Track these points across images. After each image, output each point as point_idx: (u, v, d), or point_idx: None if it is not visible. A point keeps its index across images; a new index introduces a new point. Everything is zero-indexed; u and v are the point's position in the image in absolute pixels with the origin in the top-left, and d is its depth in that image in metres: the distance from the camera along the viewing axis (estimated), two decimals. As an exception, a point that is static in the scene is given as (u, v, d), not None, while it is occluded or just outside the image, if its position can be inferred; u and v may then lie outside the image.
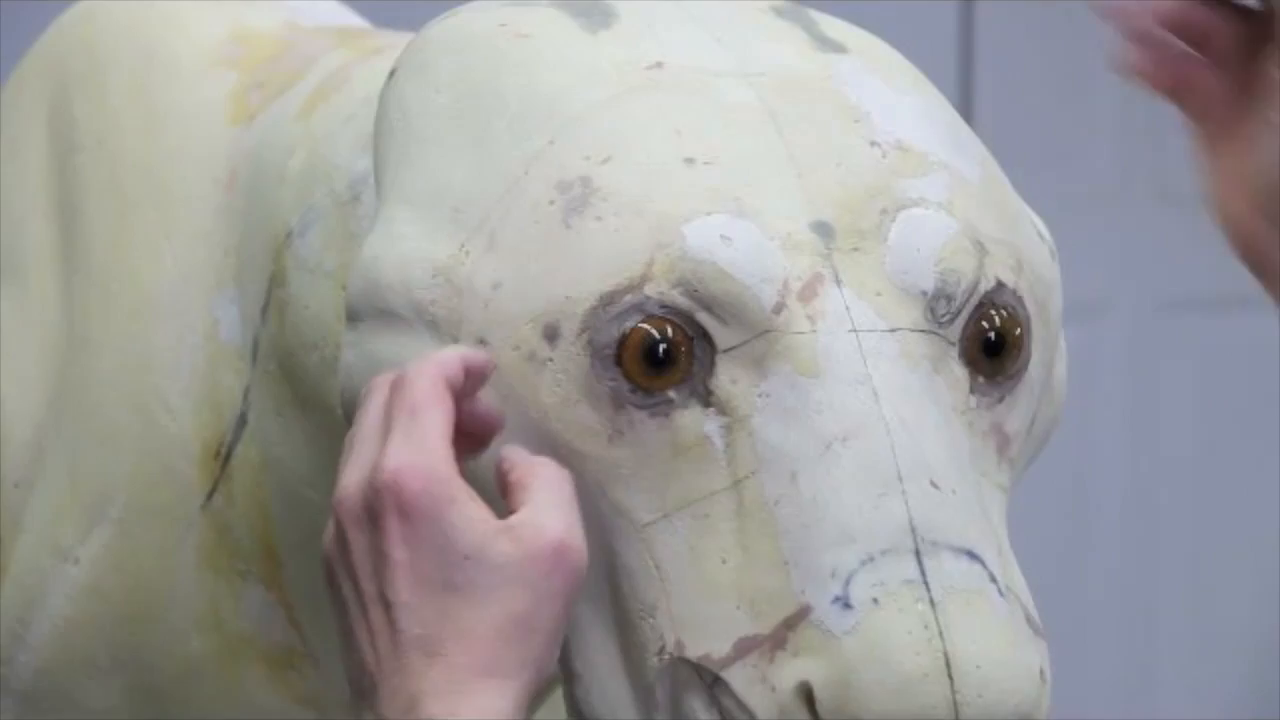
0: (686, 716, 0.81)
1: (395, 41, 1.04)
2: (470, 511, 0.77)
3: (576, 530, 0.78)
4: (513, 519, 0.78)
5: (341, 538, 0.79)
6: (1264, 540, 2.78)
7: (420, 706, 0.76)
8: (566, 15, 0.92)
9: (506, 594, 0.76)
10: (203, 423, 1.06)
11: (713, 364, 0.83)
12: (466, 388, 0.81)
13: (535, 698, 0.78)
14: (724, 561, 0.82)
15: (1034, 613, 0.84)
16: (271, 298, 1.02)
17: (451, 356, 0.81)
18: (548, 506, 0.78)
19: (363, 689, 0.78)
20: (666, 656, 0.82)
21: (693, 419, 0.83)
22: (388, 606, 0.77)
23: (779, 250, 0.84)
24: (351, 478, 0.79)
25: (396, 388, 0.80)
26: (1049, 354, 0.92)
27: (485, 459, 0.82)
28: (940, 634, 0.79)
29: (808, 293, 0.83)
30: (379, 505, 0.77)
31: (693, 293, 0.83)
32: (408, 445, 0.78)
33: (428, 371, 0.80)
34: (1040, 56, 2.77)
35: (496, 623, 0.76)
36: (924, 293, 0.85)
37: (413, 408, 0.79)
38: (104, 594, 1.08)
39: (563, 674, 0.88)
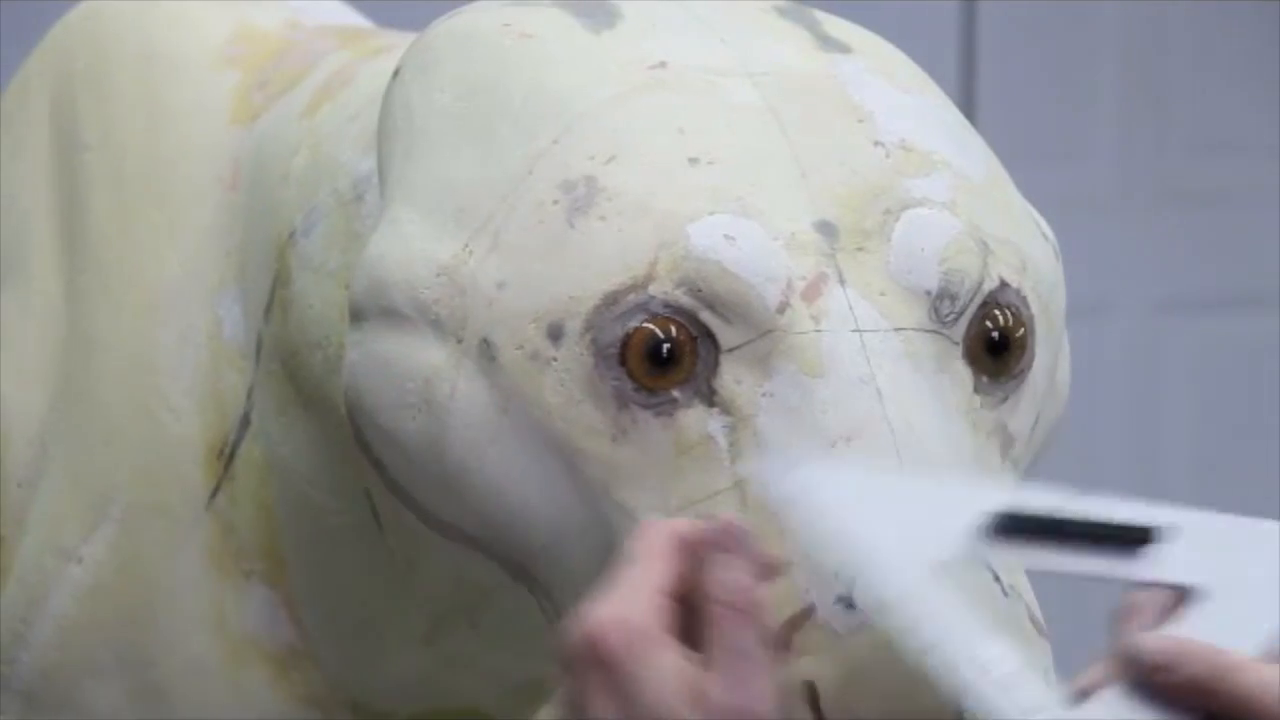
0: (691, 716, 0.81)
1: (399, 41, 1.04)
2: (665, 668, 0.72)
3: (762, 698, 0.72)
4: (705, 682, 0.72)
5: (566, 693, 0.75)
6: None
7: None
8: (570, 15, 0.92)
9: None
10: (206, 422, 1.06)
11: (716, 363, 0.83)
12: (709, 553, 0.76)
13: None
14: (728, 561, 0.81)
15: (1037, 612, 0.84)
16: (275, 297, 1.02)
17: (689, 524, 0.78)
18: (732, 674, 0.73)
19: None
20: (671, 656, 0.82)
21: (696, 418, 0.83)
22: None
23: (783, 250, 0.84)
24: (577, 629, 0.75)
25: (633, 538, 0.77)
26: (1052, 354, 0.92)
27: None
28: (945, 633, 0.79)
29: (811, 292, 0.83)
30: (582, 658, 0.73)
31: (696, 292, 0.83)
32: (616, 596, 0.74)
33: (661, 530, 0.77)
34: (1042, 56, 2.77)
35: None
36: (928, 292, 0.85)
37: (633, 559, 0.76)
38: (107, 594, 1.08)
39: (567, 673, 0.88)
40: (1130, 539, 0.77)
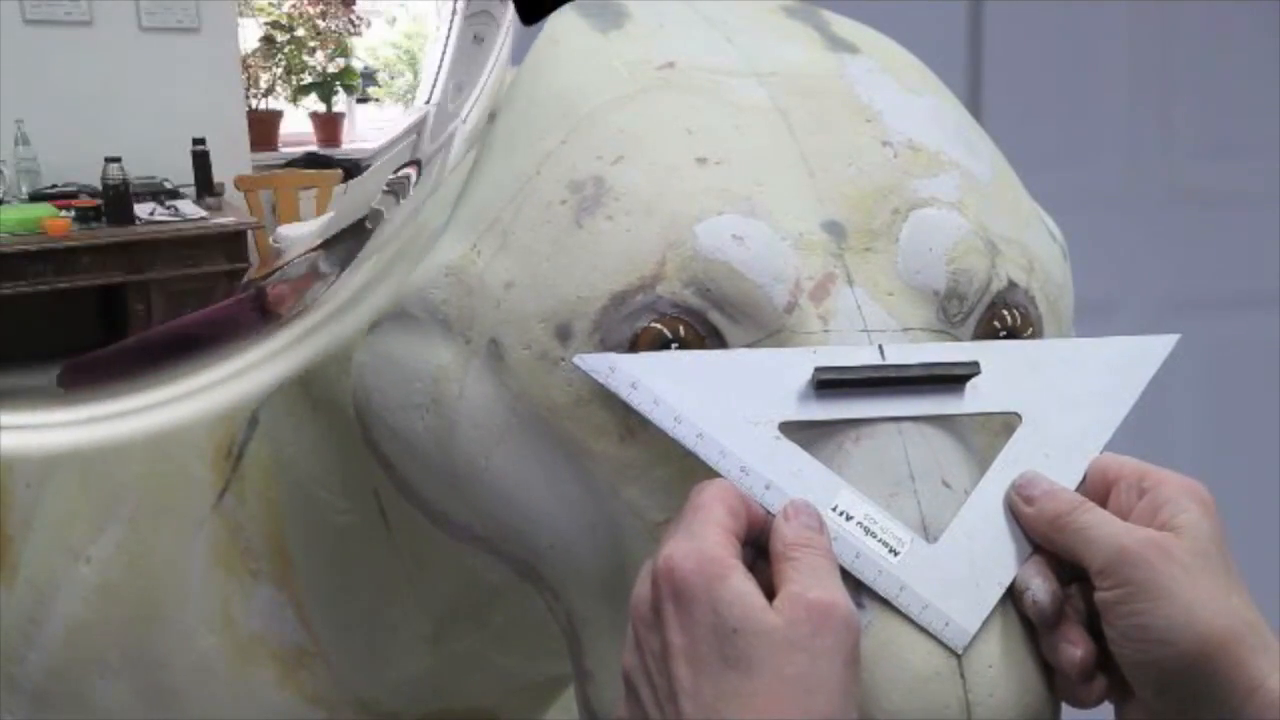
0: (699, 715, 0.81)
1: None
2: (740, 587, 0.75)
3: (838, 592, 0.76)
4: (776, 599, 0.76)
5: (636, 644, 0.78)
6: (1267, 539, 2.77)
7: None
8: (578, 15, 0.92)
9: (777, 660, 0.74)
10: (215, 423, 1.07)
11: (724, 363, 0.83)
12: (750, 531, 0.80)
13: None
14: (736, 560, 0.82)
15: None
16: (283, 297, 1.02)
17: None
18: (806, 578, 0.76)
19: None
20: (679, 655, 0.82)
21: (704, 418, 0.83)
22: (675, 698, 0.75)
23: (791, 250, 0.84)
24: (641, 583, 0.78)
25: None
26: (1060, 354, 0.92)
27: None
28: (952, 633, 0.79)
29: (820, 292, 0.83)
30: (659, 596, 0.76)
31: (705, 292, 0.83)
32: (684, 534, 0.77)
33: (719, 483, 0.80)
34: (1049, 57, 2.77)
35: (770, 690, 0.73)
36: (936, 292, 0.85)
37: (696, 506, 0.78)
38: (115, 593, 1.09)
39: (575, 673, 0.88)
40: (949, 378, 0.82)
